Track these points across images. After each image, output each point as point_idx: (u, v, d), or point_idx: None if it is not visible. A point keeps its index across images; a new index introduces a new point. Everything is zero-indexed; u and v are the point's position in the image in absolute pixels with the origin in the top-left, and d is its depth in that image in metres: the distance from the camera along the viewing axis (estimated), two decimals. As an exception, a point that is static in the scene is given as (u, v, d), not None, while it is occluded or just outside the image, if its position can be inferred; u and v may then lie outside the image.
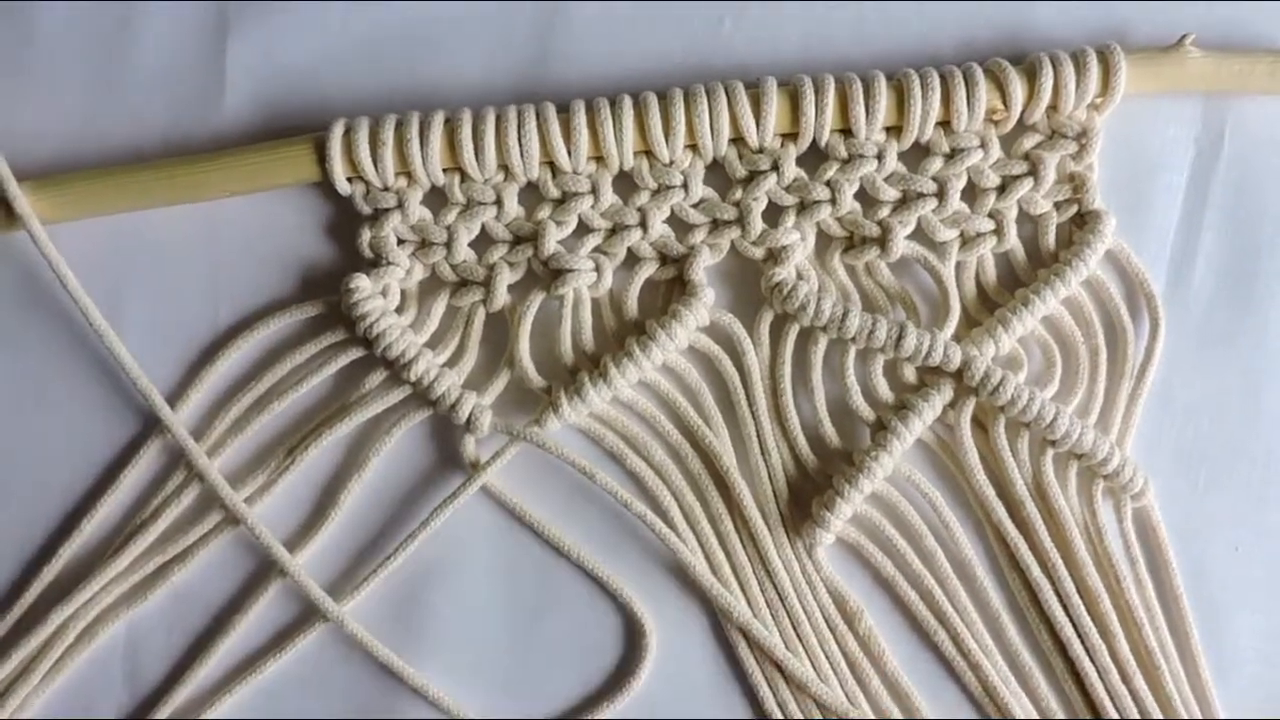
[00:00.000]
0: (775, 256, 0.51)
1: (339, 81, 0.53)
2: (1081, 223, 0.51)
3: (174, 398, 0.52)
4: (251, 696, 0.51)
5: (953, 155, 0.50)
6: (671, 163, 0.50)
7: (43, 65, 0.53)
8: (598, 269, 0.51)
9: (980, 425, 0.51)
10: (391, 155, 0.49)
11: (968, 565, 0.51)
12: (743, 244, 0.51)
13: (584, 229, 0.51)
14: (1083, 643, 0.50)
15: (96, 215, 0.51)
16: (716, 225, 0.51)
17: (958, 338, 0.50)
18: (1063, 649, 0.50)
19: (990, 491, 0.50)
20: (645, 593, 0.51)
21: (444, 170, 0.50)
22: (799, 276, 0.51)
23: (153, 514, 0.51)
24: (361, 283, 0.50)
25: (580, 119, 0.49)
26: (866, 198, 0.51)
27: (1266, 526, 0.52)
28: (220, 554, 0.52)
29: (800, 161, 0.50)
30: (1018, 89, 0.49)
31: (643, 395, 0.51)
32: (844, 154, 0.50)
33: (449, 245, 0.50)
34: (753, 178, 0.50)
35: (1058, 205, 0.51)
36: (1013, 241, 0.51)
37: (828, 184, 0.50)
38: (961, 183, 0.50)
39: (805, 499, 0.51)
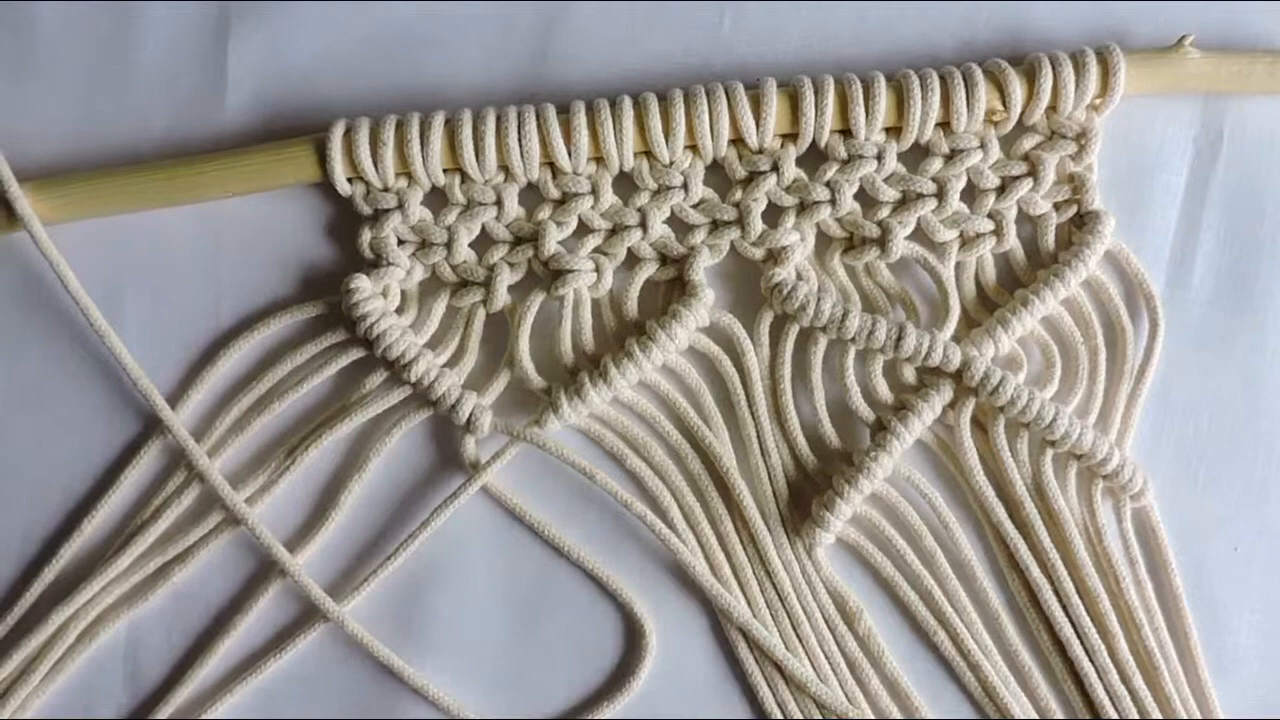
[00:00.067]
0: (775, 257, 0.51)
1: (339, 82, 0.53)
2: (1081, 223, 0.51)
3: (174, 398, 0.52)
4: (252, 696, 0.51)
5: (952, 156, 0.50)
6: (671, 163, 0.50)
7: (44, 65, 0.53)
8: (598, 269, 0.51)
9: (980, 426, 0.51)
10: (392, 156, 0.49)
11: (967, 565, 0.51)
12: (742, 245, 0.51)
13: (584, 229, 0.51)
14: (1082, 643, 0.50)
15: (97, 216, 0.51)
16: (716, 226, 0.51)
17: (957, 338, 0.51)
18: (1062, 649, 0.50)
19: (990, 492, 0.50)
20: (645, 593, 0.51)
21: (444, 171, 0.50)
22: (799, 277, 0.51)
23: (153, 514, 0.51)
24: (362, 283, 0.50)
25: (580, 120, 0.49)
26: (866, 198, 0.51)
27: (1266, 526, 0.52)
28: (221, 554, 0.52)
29: (800, 162, 0.50)
30: (1017, 90, 0.49)
31: (643, 396, 0.51)
32: (843, 155, 0.50)
33: (449, 246, 0.51)
34: (752, 178, 0.50)
35: (1057, 206, 0.51)
36: (1012, 242, 0.51)
37: (827, 185, 0.50)
38: (961, 183, 0.50)
39: (805, 499, 0.51)
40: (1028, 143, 0.51)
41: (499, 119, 0.49)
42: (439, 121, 0.49)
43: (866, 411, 0.51)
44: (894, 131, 0.50)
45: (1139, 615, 0.50)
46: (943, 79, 0.49)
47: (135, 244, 0.52)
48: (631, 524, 0.51)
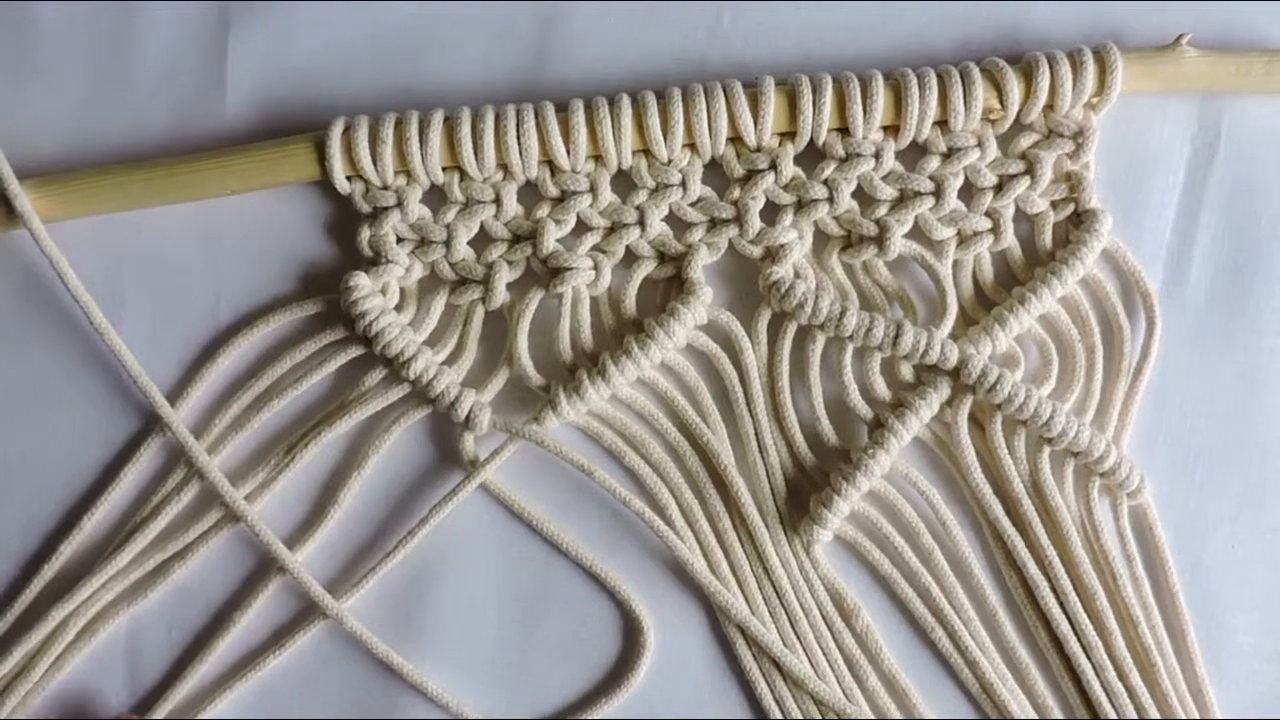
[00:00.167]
0: (773, 255, 0.51)
1: (339, 81, 0.53)
2: (1078, 221, 0.51)
3: (174, 395, 0.52)
4: (251, 693, 0.52)
5: (950, 154, 0.50)
6: (670, 162, 0.50)
7: (44, 63, 0.53)
8: (596, 267, 0.51)
9: (977, 423, 0.51)
10: (391, 154, 0.49)
11: (965, 563, 0.51)
12: (741, 242, 0.51)
13: (583, 227, 0.51)
14: (1079, 640, 0.50)
15: (97, 213, 0.51)
16: (714, 224, 0.51)
17: (955, 336, 0.51)
18: (1059, 646, 0.51)
19: (987, 489, 0.51)
20: (643, 590, 0.52)
21: (443, 169, 0.50)
22: (797, 275, 0.51)
23: (153, 511, 0.51)
24: (361, 281, 0.50)
25: (579, 118, 0.49)
26: (864, 196, 0.51)
27: (1263, 524, 0.52)
28: (220, 551, 0.52)
29: (798, 160, 0.51)
30: (1014, 88, 0.49)
31: (641, 393, 0.52)
32: (841, 153, 0.50)
33: (448, 243, 0.51)
34: (750, 176, 0.50)
35: (1054, 204, 0.51)
36: (1010, 240, 0.51)
37: (825, 183, 0.50)
38: (958, 182, 0.50)
39: (803, 497, 0.51)
40: (1025, 141, 0.51)
41: (498, 117, 0.49)
42: (438, 120, 0.49)
43: (864, 409, 0.51)
44: (892, 130, 0.50)
45: (1136, 613, 0.50)
46: (940, 78, 0.49)
47: (135, 242, 0.52)
48: (630, 521, 0.51)
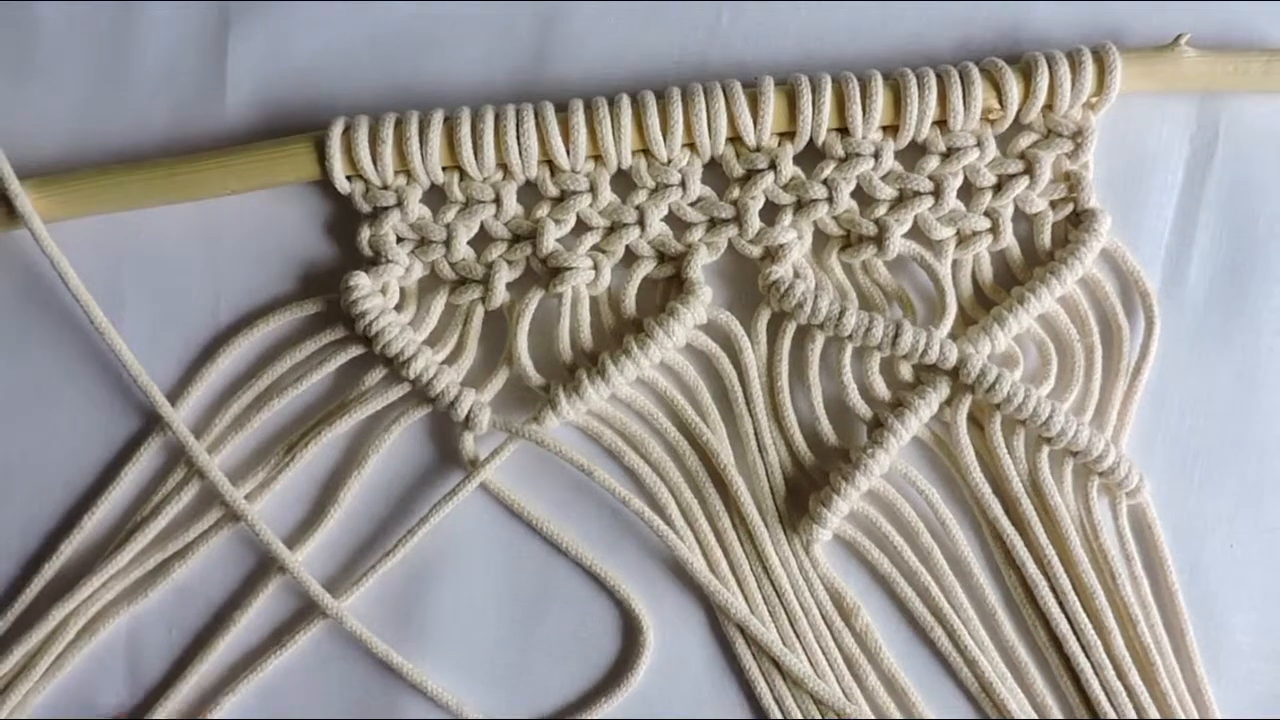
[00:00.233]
0: (772, 255, 0.51)
1: (339, 80, 0.53)
2: (1077, 221, 0.51)
3: (174, 395, 0.52)
4: (251, 692, 0.52)
5: (949, 154, 0.50)
6: (669, 161, 0.50)
7: (44, 63, 0.53)
8: (596, 267, 0.51)
9: (977, 423, 0.51)
10: (391, 154, 0.49)
11: (964, 562, 0.51)
12: (740, 242, 0.51)
13: (582, 227, 0.51)
14: (1078, 639, 0.50)
15: (97, 213, 0.51)
16: (714, 224, 0.51)
17: (954, 336, 0.51)
18: (1058, 645, 0.51)
19: (986, 489, 0.51)
20: (643, 589, 0.52)
21: (443, 169, 0.50)
22: (796, 275, 0.51)
23: (153, 510, 0.51)
24: (361, 280, 0.50)
25: (579, 118, 0.49)
26: (863, 196, 0.51)
27: (1261, 523, 0.52)
28: (220, 550, 0.52)
29: (797, 160, 0.51)
30: (1014, 88, 0.49)
31: (641, 393, 0.52)
32: (841, 153, 0.50)
33: (448, 243, 0.51)
34: (750, 176, 0.51)
35: (1053, 204, 0.51)
36: (1009, 240, 0.51)
37: (825, 183, 0.50)
38: (958, 181, 0.51)
39: (802, 496, 0.51)
40: (1024, 141, 0.51)
41: (498, 117, 0.49)
42: (438, 119, 0.49)
43: (864, 408, 0.51)
44: (891, 130, 0.50)
45: (1135, 612, 0.50)
46: (940, 78, 0.49)
47: (135, 241, 0.52)
48: (629, 520, 0.51)
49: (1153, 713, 0.50)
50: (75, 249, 0.51)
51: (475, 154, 0.49)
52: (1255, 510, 0.52)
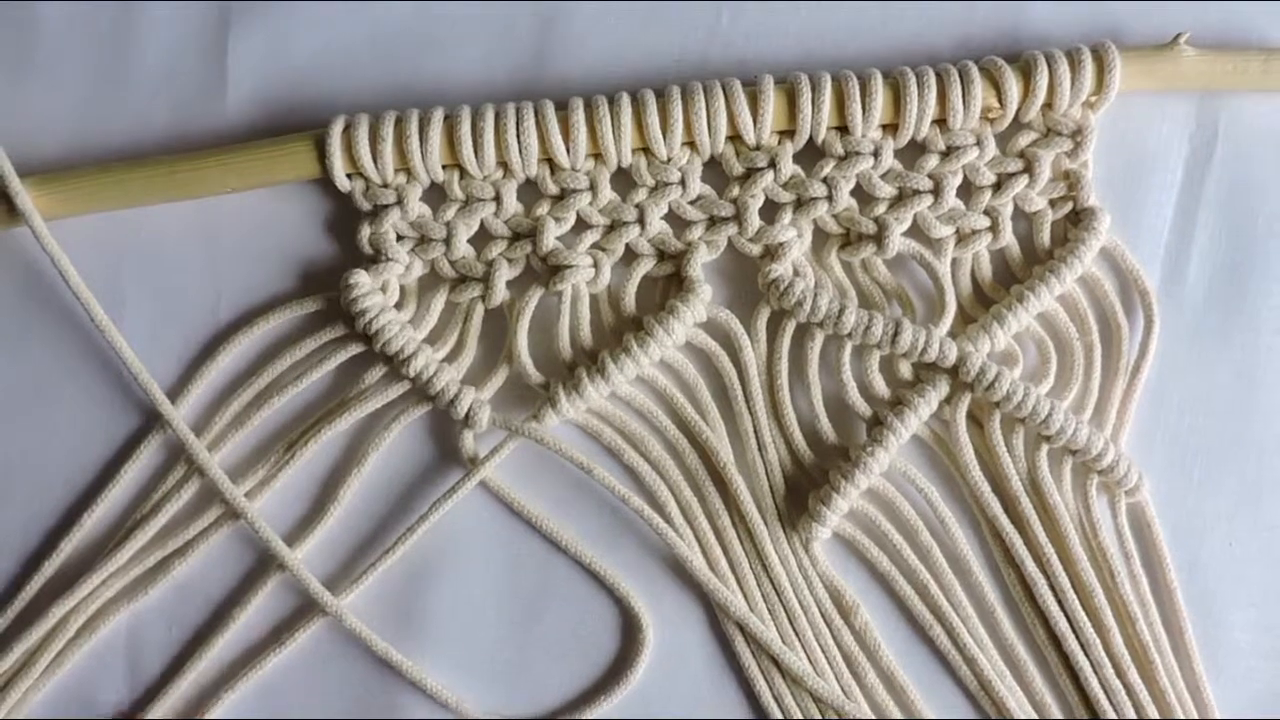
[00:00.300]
0: (772, 253, 0.51)
1: (339, 79, 0.53)
2: (1076, 220, 0.51)
3: (174, 392, 0.52)
4: (251, 690, 0.52)
5: (949, 153, 0.50)
6: (669, 160, 0.50)
7: (45, 62, 0.53)
8: (596, 265, 0.51)
9: (976, 421, 0.51)
10: (391, 152, 0.49)
11: (963, 560, 0.51)
12: (740, 241, 0.51)
13: (582, 225, 0.51)
14: (1077, 637, 0.50)
15: (98, 211, 0.51)
16: (714, 222, 0.51)
17: (953, 334, 0.51)
18: (1057, 643, 0.51)
19: (986, 487, 0.51)
20: (642, 587, 0.52)
21: (443, 167, 0.50)
22: (796, 273, 0.51)
23: (153, 508, 0.51)
24: (361, 278, 0.50)
25: (579, 116, 0.49)
26: (863, 195, 0.51)
27: (1260, 521, 0.52)
28: (220, 548, 0.52)
29: (797, 159, 0.51)
30: (1013, 87, 0.49)
31: (640, 391, 0.52)
32: (840, 151, 0.50)
33: (448, 241, 0.51)
34: (750, 175, 0.51)
35: (1053, 202, 0.51)
36: (1008, 238, 0.51)
37: (824, 181, 0.50)
38: (957, 180, 0.51)
39: (802, 494, 0.51)
40: (1024, 140, 0.51)
41: (498, 115, 0.49)
42: (438, 118, 0.49)
43: (863, 407, 0.51)
44: (891, 128, 0.50)
45: (1134, 610, 0.50)
46: (939, 76, 0.49)
47: (136, 239, 0.52)
48: (629, 518, 0.52)
49: (1151, 711, 0.50)
50: (76, 247, 0.51)
51: (475, 152, 0.49)
52: (1254, 509, 0.52)
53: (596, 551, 0.52)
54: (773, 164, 0.50)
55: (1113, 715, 0.50)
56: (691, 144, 0.50)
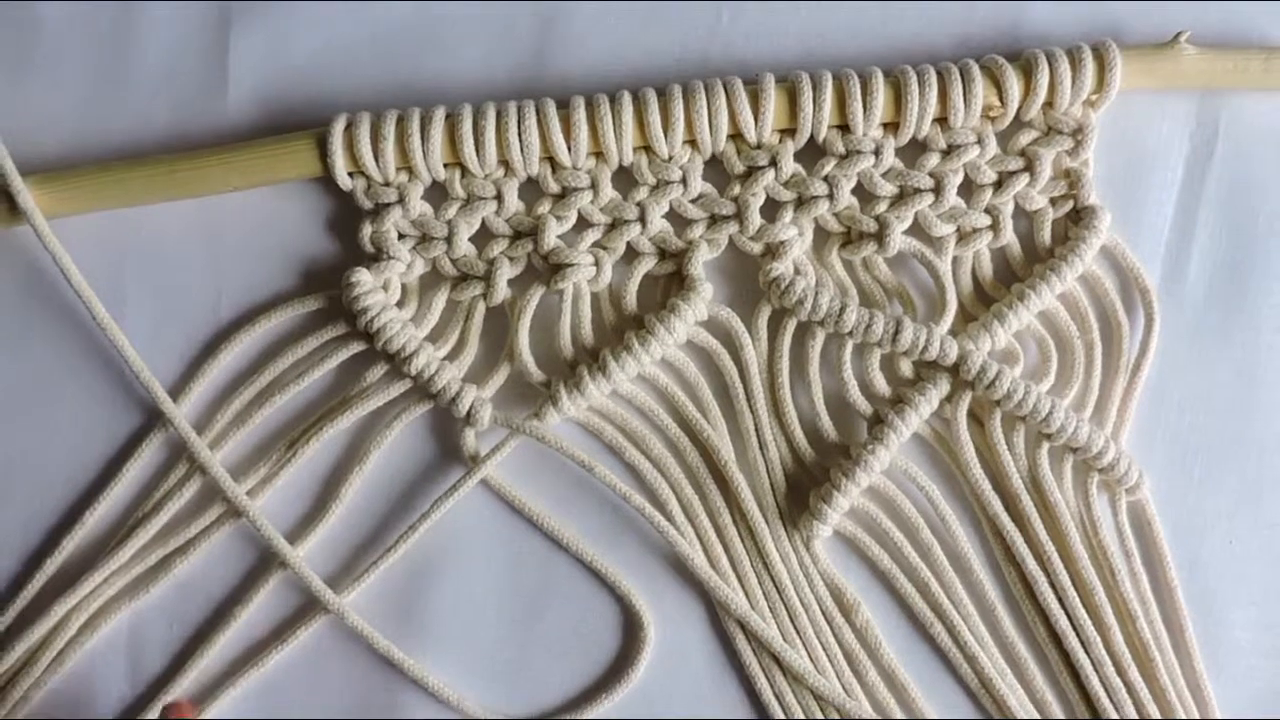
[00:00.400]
0: (773, 251, 0.51)
1: (341, 77, 0.53)
2: (1077, 218, 0.51)
3: (176, 391, 0.52)
4: (252, 688, 0.52)
5: (949, 151, 0.50)
6: (670, 158, 0.50)
7: (47, 61, 0.53)
8: (597, 264, 0.51)
9: (977, 419, 0.52)
10: (392, 150, 0.49)
11: (964, 558, 0.51)
12: (741, 239, 0.51)
13: (583, 224, 0.51)
14: (1078, 635, 0.50)
15: (99, 210, 0.51)
16: (715, 220, 0.51)
17: (954, 332, 0.51)
18: (1058, 641, 0.51)
19: (986, 485, 0.51)
20: (644, 585, 0.52)
21: (445, 165, 0.50)
22: (797, 271, 0.51)
23: (155, 506, 0.51)
24: (362, 277, 0.50)
25: (580, 115, 0.49)
26: (864, 193, 0.51)
27: (1260, 520, 0.52)
28: (222, 546, 0.52)
29: (798, 157, 0.51)
30: (1014, 85, 0.49)
31: (641, 389, 0.52)
32: (841, 150, 0.50)
33: (449, 240, 0.51)
34: (751, 173, 0.51)
35: (1053, 201, 0.51)
36: (1009, 237, 0.51)
37: (825, 179, 0.50)
38: (958, 178, 0.51)
39: (803, 492, 0.51)
40: (1024, 138, 0.51)
41: (499, 114, 0.49)
42: (439, 116, 0.49)
43: (864, 405, 0.51)
44: (891, 127, 0.50)
45: (1135, 608, 0.50)
46: (940, 75, 0.49)
47: (137, 238, 0.52)
48: (630, 516, 0.52)
49: (1152, 709, 0.50)
50: (77, 245, 0.51)
51: (477, 150, 0.49)
52: (1255, 507, 0.52)
53: (598, 549, 0.52)
54: (774, 162, 0.50)
55: (1113, 713, 0.50)
56: (693, 142, 0.50)
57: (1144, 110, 0.52)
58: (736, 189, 0.51)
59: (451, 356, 0.52)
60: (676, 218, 0.51)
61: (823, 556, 0.51)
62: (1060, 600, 0.50)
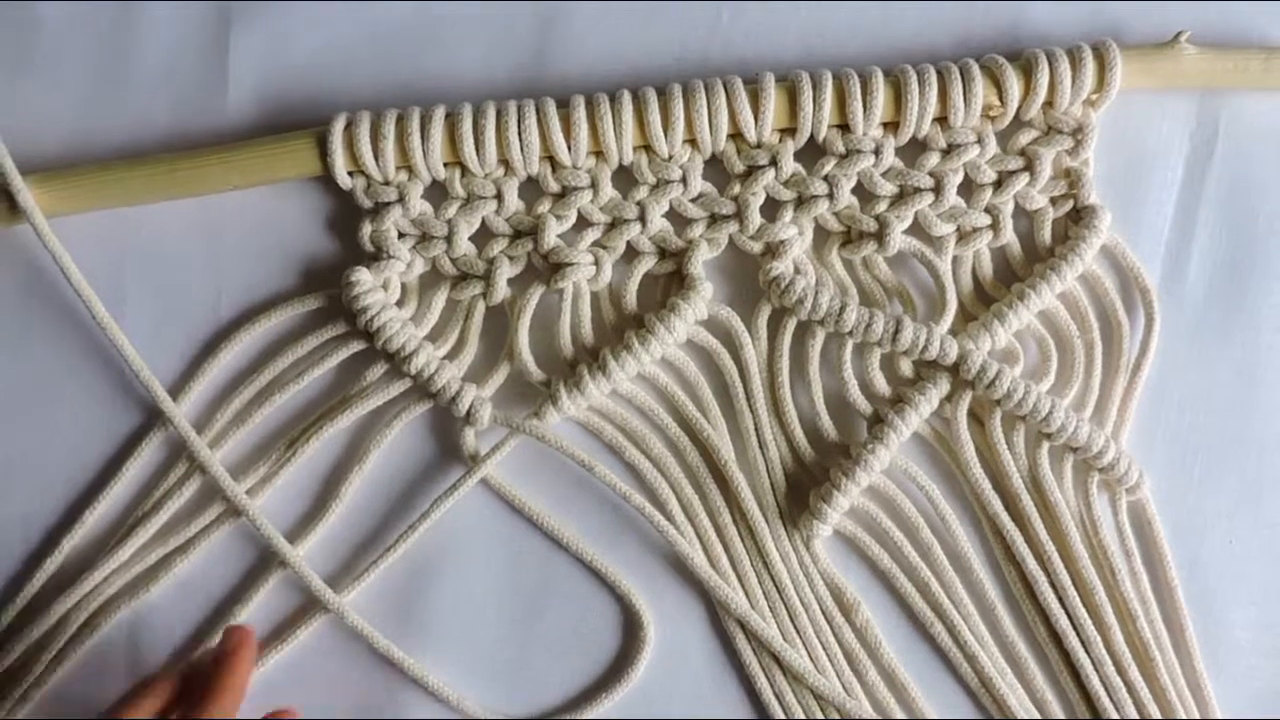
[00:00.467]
0: (773, 251, 0.51)
1: (341, 77, 0.53)
2: (1077, 218, 0.51)
3: (176, 390, 0.52)
4: (253, 687, 0.51)
5: (949, 151, 0.50)
6: (670, 158, 0.50)
7: (47, 60, 0.53)
8: (597, 263, 0.51)
9: (977, 419, 0.52)
10: (392, 149, 0.49)
11: (964, 558, 0.51)
12: (741, 238, 0.51)
13: (583, 223, 0.51)
14: (1078, 635, 0.50)
15: (99, 209, 0.51)
16: (715, 220, 0.51)
17: (954, 332, 0.51)
18: (1058, 641, 0.51)
19: (987, 484, 0.51)
20: (643, 584, 0.52)
21: (444, 164, 0.50)
22: (797, 271, 0.51)
23: (155, 505, 0.51)
24: (362, 276, 0.50)
25: (580, 114, 0.49)
26: (864, 193, 0.51)
27: (1260, 519, 0.52)
28: (222, 545, 0.52)
29: (798, 157, 0.51)
30: (1014, 85, 0.49)
31: (641, 388, 0.52)
32: (841, 149, 0.50)
33: (449, 239, 0.51)
34: (751, 173, 0.51)
35: (1053, 200, 0.51)
36: (1009, 236, 0.51)
37: (825, 179, 0.50)
38: (958, 178, 0.51)
39: (803, 492, 0.51)
40: (1024, 138, 0.51)
41: (499, 113, 0.49)
42: (439, 115, 0.49)
43: (864, 404, 0.51)
44: (891, 126, 0.50)
45: (1135, 608, 0.50)
46: (940, 75, 0.49)
47: (137, 237, 0.52)
48: (630, 516, 0.52)
49: (1152, 709, 0.50)
50: (77, 244, 0.51)
51: (477, 149, 0.49)
52: (1255, 506, 0.52)
53: (598, 549, 0.52)
54: (774, 162, 0.50)
55: (1113, 713, 0.50)
56: (693, 142, 0.50)
57: (1144, 110, 0.52)
58: (736, 188, 0.51)
59: (451, 356, 0.52)
60: (676, 217, 0.51)
61: (823, 556, 0.51)
62: (1060, 600, 0.50)
